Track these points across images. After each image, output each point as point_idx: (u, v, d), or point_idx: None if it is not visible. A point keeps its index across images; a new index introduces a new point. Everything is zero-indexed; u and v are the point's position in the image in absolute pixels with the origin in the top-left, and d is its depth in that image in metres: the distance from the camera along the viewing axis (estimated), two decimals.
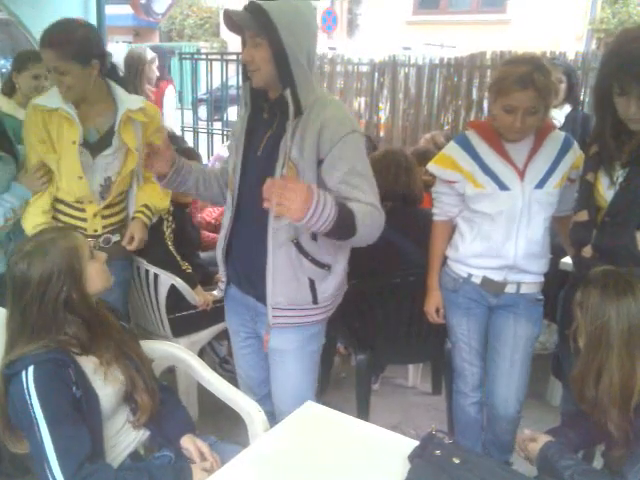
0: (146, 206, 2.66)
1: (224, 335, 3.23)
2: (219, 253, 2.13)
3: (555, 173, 2.16)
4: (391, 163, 2.76)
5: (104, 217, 2.56)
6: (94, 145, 2.46)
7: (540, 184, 2.15)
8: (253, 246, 2.00)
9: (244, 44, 1.91)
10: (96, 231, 2.54)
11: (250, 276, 2.05)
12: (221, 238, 2.12)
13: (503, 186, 2.16)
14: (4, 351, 1.66)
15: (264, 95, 1.96)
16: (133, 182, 2.64)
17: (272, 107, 1.94)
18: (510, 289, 2.26)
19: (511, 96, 2.03)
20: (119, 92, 2.51)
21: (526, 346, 2.29)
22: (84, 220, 2.52)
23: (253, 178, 1.96)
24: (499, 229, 2.20)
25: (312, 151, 1.85)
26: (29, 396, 1.55)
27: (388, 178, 2.70)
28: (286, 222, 1.85)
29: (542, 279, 2.31)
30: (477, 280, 2.29)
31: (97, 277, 1.74)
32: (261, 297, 2.00)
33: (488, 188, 2.18)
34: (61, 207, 2.53)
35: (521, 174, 2.15)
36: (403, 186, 2.73)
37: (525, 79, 2.00)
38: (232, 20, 1.85)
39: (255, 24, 1.82)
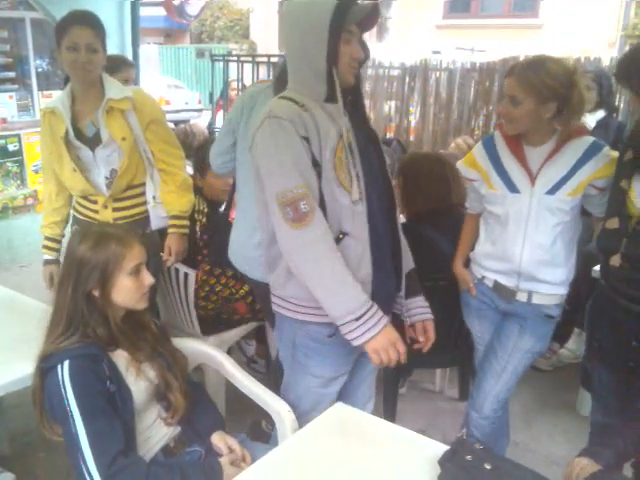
0: (177, 217, 2.66)
1: (253, 335, 3.26)
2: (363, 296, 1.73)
3: (571, 180, 2.09)
4: (449, 170, 2.70)
5: (115, 209, 2.57)
6: (92, 139, 2.49)
7: (552, 190, 2.10)
8: (390, 245, 1.94)
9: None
10: (108, 222, 2.56)
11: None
12: (362, 286, 1.74)
13: (513, 189, 2.15)
14: (45, 336, 1.69)
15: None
16: (144, 175, 2.63)
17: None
18: (521, 297, 2.22)
19: (504, 83, 2.16)
20: (108, 83, 2.50)
21: (523, 358, 2.28)
22: (96, 212, 2.58)
23: (379, 182, 1.90)
24: (507, 232, 2.19)
25: None
26: (65, 390, 1.57)
27: (453, 185, 2.64)
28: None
29: (561, 291, 2.23)
30: (489, 283, 2.30)
31: (125, 292, 1.71)
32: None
33: (499, 190, 2.19)
34: (79, 199, 2.62)
35: (533, 178, 2.12)
36: (461, 195, 2.64)
37: (511, 69, 2.10)
38: None
39: None
